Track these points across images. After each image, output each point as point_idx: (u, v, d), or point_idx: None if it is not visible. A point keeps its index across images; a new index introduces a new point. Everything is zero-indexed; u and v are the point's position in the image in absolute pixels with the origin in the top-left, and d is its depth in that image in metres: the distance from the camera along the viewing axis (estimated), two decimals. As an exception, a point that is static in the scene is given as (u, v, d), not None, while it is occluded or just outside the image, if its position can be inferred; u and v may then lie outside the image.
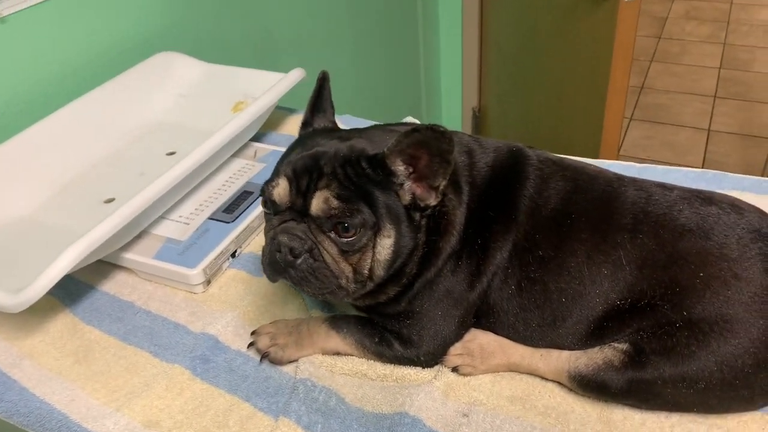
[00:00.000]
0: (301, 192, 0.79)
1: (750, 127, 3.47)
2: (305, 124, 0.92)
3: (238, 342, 0.95)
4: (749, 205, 0.85)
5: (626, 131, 3.55)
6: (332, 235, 0.79)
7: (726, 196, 0.85)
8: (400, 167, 0.79)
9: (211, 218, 1.11)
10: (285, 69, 1.31)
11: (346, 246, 0.78)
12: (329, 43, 2.15)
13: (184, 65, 1.41)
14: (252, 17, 1.79)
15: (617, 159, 1.86)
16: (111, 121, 1.29)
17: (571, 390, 0.85)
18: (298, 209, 0.80)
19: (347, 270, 0.80)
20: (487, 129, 3.08)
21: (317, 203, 0.78)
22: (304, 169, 0.79)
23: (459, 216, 0.85)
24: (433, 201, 0.81)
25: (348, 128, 0.92)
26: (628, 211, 0.82)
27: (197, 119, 1.34)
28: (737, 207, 0.83)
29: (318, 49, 2.10)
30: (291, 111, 1.47)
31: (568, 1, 2.02)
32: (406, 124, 0.95)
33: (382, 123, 0.99)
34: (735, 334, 0.75)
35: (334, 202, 0.77)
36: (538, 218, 0.84)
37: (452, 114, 3.20)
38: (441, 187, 0.81)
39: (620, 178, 0.87)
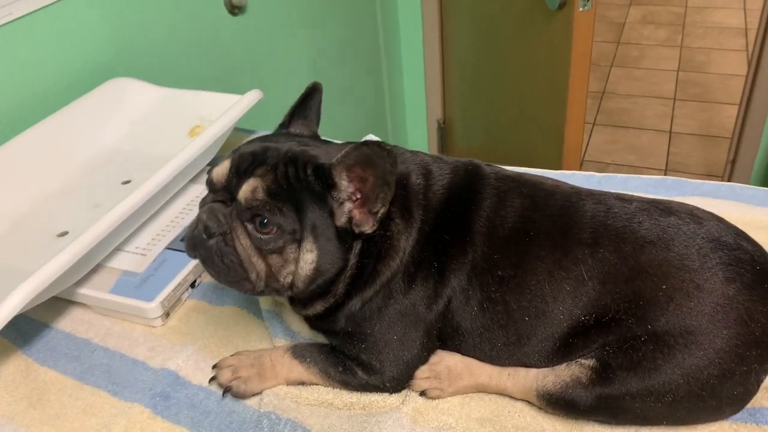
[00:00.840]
0: (239, 174, 0.79)
1: (709, 128, 3.53)
2: (281, 126, 0.92)
3: (200, 376, 0.92)
4: (707, 213, 0.85)
5: (590, 136, 3.59)
6: (249, 226, 0.78)
7: (684, 205, 0.85)
8: (343, 182, 0.78)
9: (168, 248, 1.08)
10: (243, 90, 1.29)
11: (259, 242, 0.78)
12: (288, 61, 2.14)
13: (138, 91, 1.38)
14: (207, 39, 1.76)
15: (581, 165, 1.87)
16: (63, 151, 1.25)
17: (540, 409, 0.84)
18: (231, 192, 0.79)
19: (260, 267, 0.79)
20: (453, 139, 3.09)
21: (245, 189, 0.77)
22: (249, 155, 0.79)
23: (404, 241, 0.83)
24: (368, 229, 0.80)
25: (323, 139, 0.91)
26: (588, 226, 0.81)
27: (153, 146, 1.31)
28: (696, 216, 0.82)
29: (277, 68, 2.08)
30: (250, 132, 1.44)
31: (525, 12, 2.04)
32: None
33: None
34: (699, 346, 0.74)
35: (260, 194, 0.77)
36: (495, 238, 0.83)
37: (418, 126, 3.20)
38: (379, 215, 0.80)
39: (578, 192, 0.86)
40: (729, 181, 2.77)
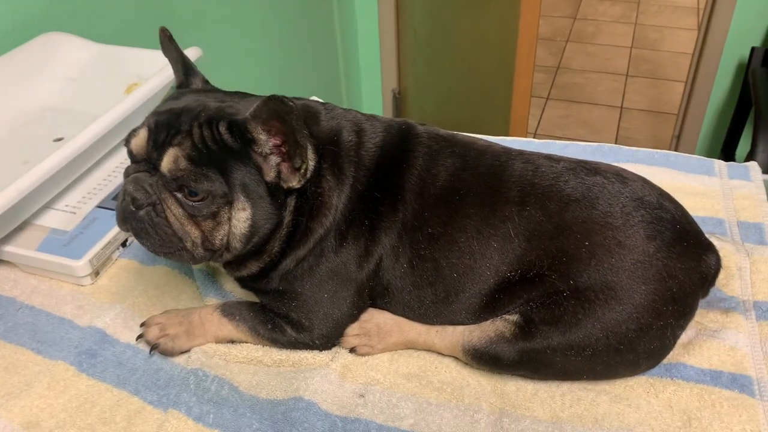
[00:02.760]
0: (158, 145, 0.77)
1: (659, 104, 3.60)
2: (180, 86, 0.89)
3: (128, 335, 0.91)
4: (634, 174, 0.86)
5: (543, 111, 3.62)
6: (179, 195, 0.77)
7: (611, 166, 0.87)
8: (261, 136, 0.76)
9: (99, 206, 1.05)
10: (186, 48, 1.26)
11: (191, 209, 0.77)
12: (235, 20, 2.09)
13: (73, 46, 1.33)
14: (150, -4, 1.71)
15: (526, 136, 1.88)
16: (-8, 107, 1.21)
17: (466, 364, 0.85)
18: (153, 163, 0.77)
19: (194, 234, 0.78)
20: (408, 110, 3.08)
21: (167, 161, 0.76)
22: (164, 123, 0.77)
23: (336, 198, 0.83)
24: (296, 184, 0.79)
25: (231, 91, 0.88)
26: (516, 184, 0.82)
27: (88, 103, 1.26)
28: (621, 176, 0.84)
29: (223, 26, 2.03)
30: (190, 93, 1.41)
31: (475, -19, 2.04)
32: (300, 99, 0.92)
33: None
34: (619, 301, 0.76)
35: (183, 163, 0.75)
36: (426, 196, 0.83)
37: (373, 96, 3.19)
38: (303, 171, 0.79)
39: (508, 152, 0.87)
40: (674, 155, 2.84)
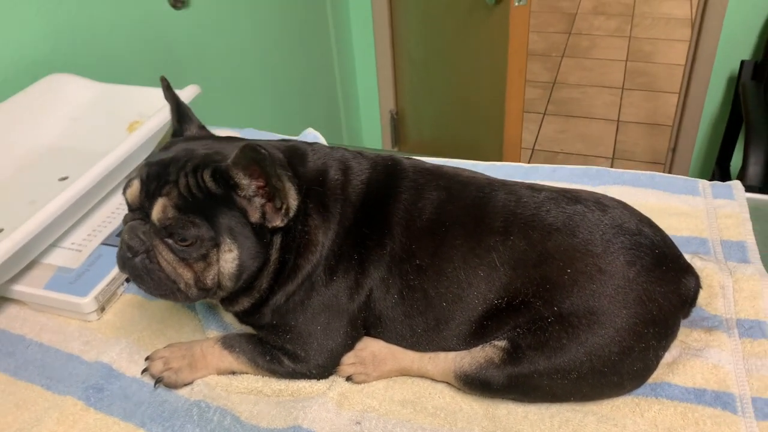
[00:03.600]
0: (149, 195, 0.82)
1: (655, 116, 3.64)
2: (175, 134, 0.93)
3: (133, 368, 0.94)
4: (613, 200, 0.90)
5: (540, 126, 3.66)
6: (169, 241, 0.81)
7: (592, 193, 0.90)
8: (243, 181, 0.80)
9: (104, 243, 1.10)
10: (187, 85, 1.30)
11: (182, 254, 0.81)
12: (235, 57, 2.15)
13: (76, 86, 1.38)
14: (149, 33, 1.77)
15: (530, 156, 1.92)
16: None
17: (459, 390, 0.88)
18: (146, 211, 0.82)
19: (187, 276, 0.82)
20: (406, 130, 3.13)
21: (156, 210, 0.80)
22: (155, 174, 0.82)
23: (321, 236, 0.87)
24: (279, 222, 0.83)
25: (223, 136, 0.93)
26: (499, 215, 0.86)
27: (91, 142, 1.31)
28: (601, 204, 0.87)
29: (223, 60, 2.09)
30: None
31: (467, 6, 2.08)
32: (287, 141, 0.96)
33: (282, 138, 1.00)
34: (601, 325, 0.80)
35: (170, 212, 0.80)
36: (413, 229, 0.87)
37: (371, 118, 3.24)
38: (285, 210, 0.83)
39: (491, 183, 0.91)
40: (670, 168, 2.87)
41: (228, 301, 0.90)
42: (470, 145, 2.37)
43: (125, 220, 0.85)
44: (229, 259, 0.82)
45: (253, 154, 0.77)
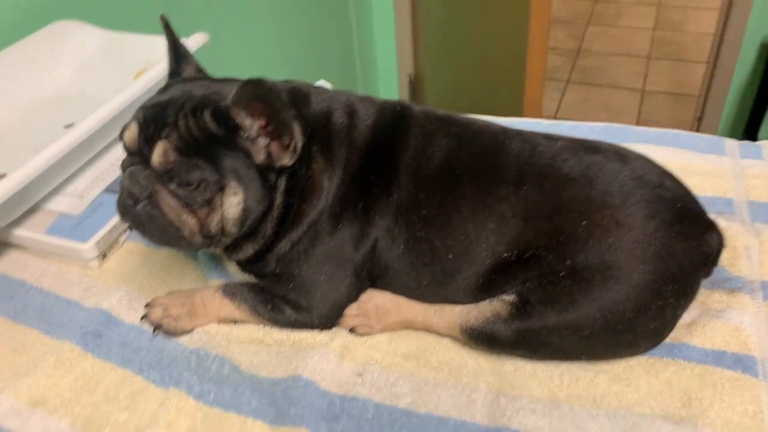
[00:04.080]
0: (148, 139, 0.78)
1: (681, 86, 3.53)
2: (171, 75, 0.89)
3: (133, 316, 0.92)
4: (634, 152, 0.85)
5: (563, 95, 3.58)
6: (172, 186, 0.78)
7: (611, 144, 0.86)
8: (246, 121, 0.77)
9: (107, 191, 1.07)
10: (192, 34, 1.26)
11: (186, 199, 0.78)
12: (247, 4, 2.09)
13: (83, 34, 1.35)
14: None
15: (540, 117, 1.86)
16: (3, 94, 1.23)
17: (464, 345, 0.85)
18: (145, 156, 0.78)
19: (191, 222, 0.79)
20: (424, 95, 3.07)
21: (156, 155, 0.77)
22: (152, 116, 0.78)
23: (326, 180, 0.83)
24: (287, 161, 0.80)
25: (221, 77, 0.89)
26: (513, 164, 0.82)
27: (98, 90, 1.28)
28: (621, 155, 0.83)
29: (234, 11, 2.03)
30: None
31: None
32: (289, 82, 0.92)
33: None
34: (617, 281, 0.76)
35: (172, 156, 0.76)
36: (420, 177, 0.83)
37: (389, 82, 3.17)
38: (293, 147, 0.79)
39: (505, 132, 0.86)
40: (696, 138, 2.79)
41: (232, 248, 0.87)
42: (491, 107, 2.30)
43: (123, 166, 0.81)
44: (233, 203, 0.79)
45: (255, 89, 0.73)
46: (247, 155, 0.78)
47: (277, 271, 0.86)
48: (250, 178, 0.79)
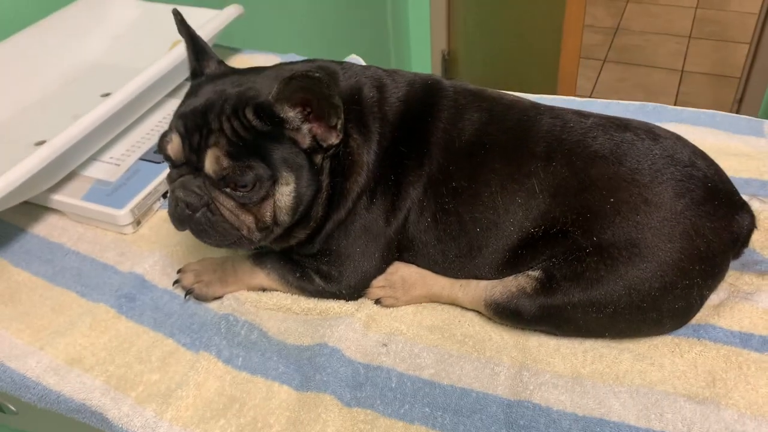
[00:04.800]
0: (194, 149, 0.77)
1: (722, 67, 3.44)
2: (194, 74, 0.87)
3: (165, 281, 0.95)
4: (666, 131, 0.84)
5: (599, 73, 3.52)
6: (228, 190, 0.78)
7: (643, 122, 0.85)
8: (290, 113, 0.77)
9: (142, 159, 1.10)
10: (227, 5, 1.27)
11: (243, 200, 0.78)
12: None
13: (120, 4, 1.37)
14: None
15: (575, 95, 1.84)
16: (43, 63, 1.26)
17: (489, 319, 0.86)
18: (194, 165, 0.78)
19: (248, 221, 0.79)
20: (457, 71, 3.04)
21: (209, 163, 0.76)
22: (194, 125, 0.77)
23: (365, 155, 0.84)
24: (335, 140, 0.80)
25: (245, 69, 0.88)
26: (542, 140, 0.81)
27: (134, 60, 1.30)
28: (653, 133, 0.82)
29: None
30: (232, 50, 1.44)
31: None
32: (311, 61, 0.92)
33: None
34: (643, 258, 0.75)
35: (225, 162, 0.76)
36: (451, 150, 0.83)
37: (422, 58, 3.15)
38: (340, 126, 0.79)
39: (536, 107, 0.86)
40: (735, 120, 2.73)
41: (283, 236, 0.86)
42: (525, 84, 2.28)
43: (171, 179, 0.82)
44: (286, 192, 0.79)
45: (303, 83, 0.73)
46: (294, 143, 0.78)
47: (317, 248, 0.87)
48: (299, 165, 0.79)
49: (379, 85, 0.87)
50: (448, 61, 3.06)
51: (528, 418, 0.75)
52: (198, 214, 0.79)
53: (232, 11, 1.25)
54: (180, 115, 0.80)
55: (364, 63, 1.32)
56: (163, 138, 0.81)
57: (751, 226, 0.81)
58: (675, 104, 3.30)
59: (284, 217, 0.81)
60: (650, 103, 1.22)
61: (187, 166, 0.80)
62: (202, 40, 0.88)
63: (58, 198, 1.03)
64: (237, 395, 0.80)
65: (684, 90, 3.34)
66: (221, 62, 0.88)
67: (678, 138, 0.83)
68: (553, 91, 2.07)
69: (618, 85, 3.43)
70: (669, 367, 0.79)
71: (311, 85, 0.74)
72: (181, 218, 0.81)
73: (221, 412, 0.78)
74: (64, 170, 1.03)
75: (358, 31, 2.66)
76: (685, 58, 3.56)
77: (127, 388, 0.81)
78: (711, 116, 1.19)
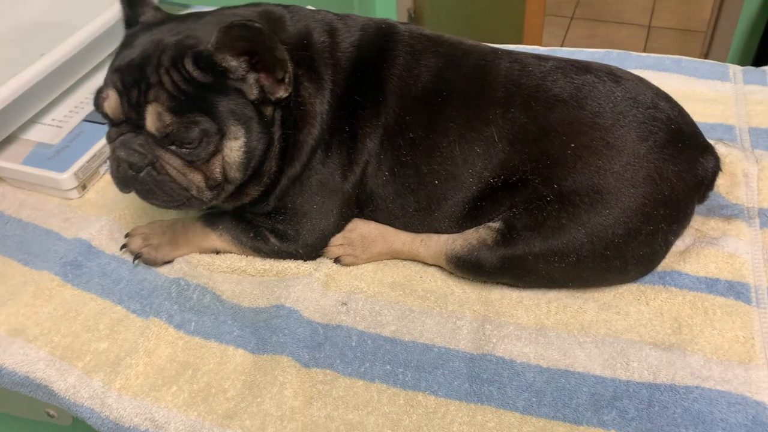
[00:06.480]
0: (133, 105, 0.72)
1: (689, 22, 3.43)
2: (128, 23, 0.81)
3: (113, 246, 0.90)
4: (628, 73, 0.81)
5: (567, 31, 3.48)
6: (173, 147, 0.73)
7: (604, 65, 0.81)
8: (233, 63, 0.72)
9: (86, 120, 1.04)
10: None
11: (190, 157, 0.73)
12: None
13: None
14: None
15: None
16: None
17: (451, 273, 0.83)
18: (134, 122, 0.73)
19: (197, 179, 0.75)
20: (423, 32, 2.98)
21: (151, 120, 0.71)
22: (131, 79, 0.72)
23: (318, 105, 0.79)
24: (283, 93, 0.75)
25: (183, 15, 0.82)
26: (501, 85, 0.78)
27: (76, 18, 1.23)
28: (614, 75, 0.79)
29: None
30: (183, 6, 1.37)
31: None
32: (257, 5, 0.86)
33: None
34: (605, 205, 0.73)
35: (167, 118, 0.71)
36: (407, 99, 0.79)
37: (387, 16, 3.09)
38: (288, 79, 0.75)
39: (494, 51, 0.82)
40: (702, 74, 2.72)
41: (236, 194, 0.82)
42: (491, 41, 2.25)
43: (110, 137, 0.76)
44: (235, 147, 0.74)
45: (244, 33, 0.68)
46: (240, 94, 0.73)
47: (272, 206, 0.83)
48: (248, 117, 0.74)
49: (331, 30, 0.82)
50: (414, 20, 2.99)
51: (491, 372, 0.73)
52: (142, 174, 0.74)
53: (177, -38, 1.18)
54: (116, 69, 0.74)
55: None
56: (99, 94, 0.75)
57: (716, 168, 0.79)
58: (642, 60, 3.26)
59: (235, 174, 0.77)
60: (615, 50, 1.19)
61: (127, 123, 0.75)
62: None
63: (-3, 163, 0.98)
64: (190, 361, 0.77)
65: (651, 45, 3.32)
66: (158, 8, 0.82)
67: (640, 80, 0.81)
68: (519, 41, 2.04)
69: (586, 41, 3.40)
70: (634, 315, 0.77)
71: (252, 35, 0.69)
72: (124, 179, 0.76)
73: (173, 378, 0.75)
74: (1, 133, 0.97)
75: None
76: (652, 14, 3.53)
77: (73, 359, 0.77)
78: (676, 62, 1.16)
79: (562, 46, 3.36)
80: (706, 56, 2.68)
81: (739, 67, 1.12)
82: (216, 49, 0.70)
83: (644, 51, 3.27)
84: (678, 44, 3.29)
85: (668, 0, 3.61)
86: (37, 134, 1.02)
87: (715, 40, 2.63)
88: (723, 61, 2.66)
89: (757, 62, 2.44)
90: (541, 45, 2.34)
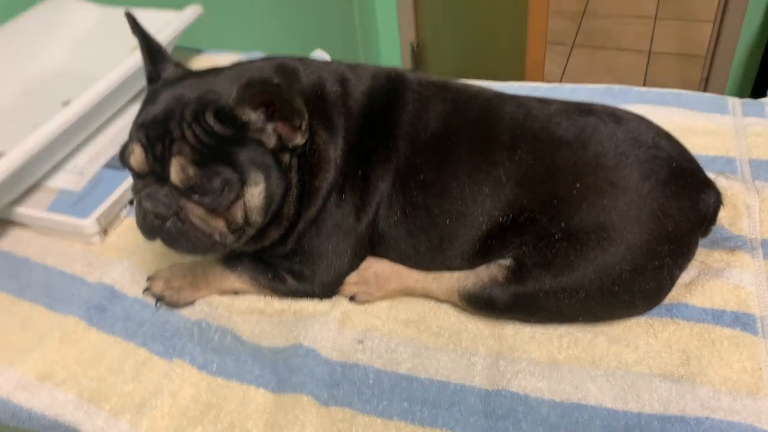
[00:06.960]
0: (158, 159, 0.76)
1: (688, 46, 3.48)
2: (151, 79, 0.85)
3: (136, 289, 0.93)
4: (629, 113, 0.84)
5: (568, 59, 3.53)
6: (196, 197, 0.76)
7: (606, 106, 0.85)
8: (252, 116, 0.75)
9: (106, 166, 1.07)
10: (188, 6, 1.25)
11: (212, 205, 0.76)
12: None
13: (77, 9, 1.34)
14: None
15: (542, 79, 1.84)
16: (1, 73, 1.23)
17: (463, 310, 0.86)
18: (159, 174, 0.77)
19: (219, 225, 0.78)
20: (427, 64, 3.04)
21: (175, 172, 0.75)
22: (155, 134, 0.76)
23: (332, 151, 0.83)
24: (300, 140, 0.79)
25: (202, 70, 0.86)
26: (507, 128, 0.81)
27: (94, 66, 1.27)
28: (616, 116, 0.82)
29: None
30: (195, 51, 1.42)
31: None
32: (271, 59, 0.90)
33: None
34: (611, 242, 0.76)
35: (191, 170, 0.74)
36: (417, 143, 0.83)
37: (391, 51, 3.14)
38: (304, 127, 0.78)
39: (499, 96, 0.86)
40: (703, 99, 2.75)
41: (256, 237, 0.84)
42: (494, 73, 2.28)
43: (136, 189, 0.80)
44: (256, 193, 0.78)
45: (261, 88, 0.72)
46: (259, 143, 0.77)
47: (290, 248, 0.86)
48: (267, 165, 0.78)
49: (342, 80, 0.86)
50: (417, 53, 3.05)
51: (506, 407, 0.75)
52: (168, 224, 0.77)
53: (191, 12, 1.23)
54: (140, 125, 0.78)
55: (329, 58, 1.31)
56: (125, 149, 0.79)
57: (717, 203, 0.82)
58: (644, 85, 3.32)
59: (256, 218, 0.80)
60: (616, 86, 1.22)
61: (151, 176, 0.78)
62: (157, 43, 0.86)
63: (22, 211, 1.01)
64: (213, 401, 0.79)
65: (652, 71, 3.37)
66: (178, 65, 0.86)
67: (641, 119, 0.84)
68: (521, 78, 2.08)
69: (587, 68, 3.45)
70: (644, 348, 0.80)
71: (269, 92, 0.73)
72: (150, 229, 0.79)
73: (198, 419, 0.77)
74: (25, 182, 1.01)
75: (325, 26, 2.64)
76: (651, 39, 3.59)
77: (100, 401, 0.80)
78: (676, 95, 1.19)
79: (563, 73, 3.42)
80: (706, 80, 2.72)
81: (738, 100, 1.15)
82: (236, 104, 0.74)
83: (645, 76, 3.33)
84: (678, 69, 3.33)
85: (667, 26, 3.67)
86: (59, 181, 1.05)
87: (714, 65, 2.67)
88: (723, 84, 2.71)
89: (758, 85, 2.48)
90: (542, 74, 2.40)
